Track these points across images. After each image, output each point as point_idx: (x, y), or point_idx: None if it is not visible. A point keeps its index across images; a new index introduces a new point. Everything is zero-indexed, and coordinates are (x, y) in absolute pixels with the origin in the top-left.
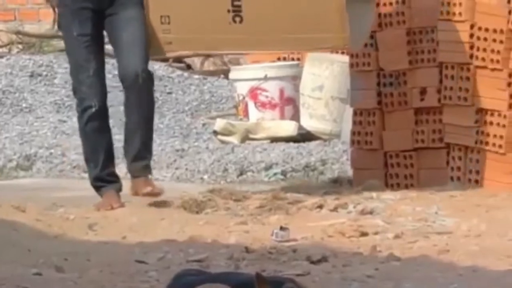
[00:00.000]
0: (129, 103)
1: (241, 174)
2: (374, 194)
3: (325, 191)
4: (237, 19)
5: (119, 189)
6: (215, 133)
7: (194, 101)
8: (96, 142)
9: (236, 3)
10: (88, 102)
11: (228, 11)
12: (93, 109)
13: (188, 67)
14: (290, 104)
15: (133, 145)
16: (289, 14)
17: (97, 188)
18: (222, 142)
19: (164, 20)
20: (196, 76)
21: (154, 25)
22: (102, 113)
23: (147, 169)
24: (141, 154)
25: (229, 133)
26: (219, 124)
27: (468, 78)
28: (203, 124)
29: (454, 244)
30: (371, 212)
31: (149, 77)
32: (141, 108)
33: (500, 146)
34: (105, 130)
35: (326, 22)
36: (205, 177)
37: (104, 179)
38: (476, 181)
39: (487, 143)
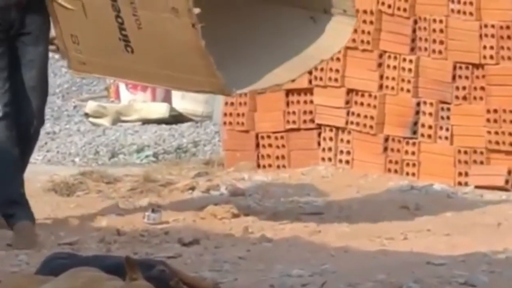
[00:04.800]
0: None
1: (112, 156)
2: (246, 176)
3: (197, 173)
4: (129, 48)
5: (32, 218)
6: (87, 115)
7: (65, 83)
8: (2, 154)
9: (123, 32)
10: None
11: (119, 39)
12: None
13: (59, 49)
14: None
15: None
16: (166, 52)
17: (7, 219)
18: (94, 124)
19: (74, 39)
20: None
21: (67, 43)
22: (8, 122)
23: None
24: None
25: (100, 115)
26: (90, 106)
27: (338, 59)
28: (74, 107)
29: (325, 225)
30: (243, 194)
31: (41, 126)
32: (24, 154)
33: (370, 127)
34: (12, 139)
35: (194, 65)
36: (77, 159)
37: (12, 203)
38: (347, 162)
39: (357, 124)
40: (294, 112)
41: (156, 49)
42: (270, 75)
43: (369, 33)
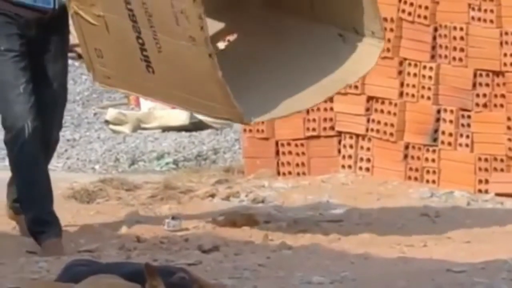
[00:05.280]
0: None
1: (132, 163)
2: (266, 183)
3: (217, 180)
4: (150, 69)
5: (60, 234)
6: (107, 122)
7: (85, 91)
8: (31, 172)
9: (144, 53)
10: (21, 123)
11: (141, 59)
12: (27, 132)
13: (79, 56)
14: None
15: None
16: (185, 77)
17: (36, 235)
18: (114, 131)
19: (98, 53)
20: None
21: (92, 55)
22: (37, 137)
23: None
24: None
25: (120, 122)
26: (111, 113)
27: None
28: (95, 114)
29: (345, 232)
30: (263, 201)
31: (58, 140)
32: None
33: (391, 134)
34: (40, 157)
35: (212, 93)
36: (97, 167)
37: (43, 221)
38: (367, 169)
39: (378, 131)
40: (314, 120)
41: (175, 73)
42: (292, 101)
43: (389, 40)
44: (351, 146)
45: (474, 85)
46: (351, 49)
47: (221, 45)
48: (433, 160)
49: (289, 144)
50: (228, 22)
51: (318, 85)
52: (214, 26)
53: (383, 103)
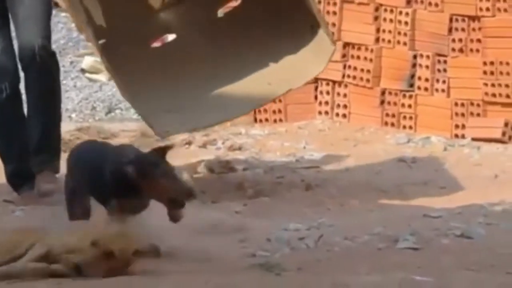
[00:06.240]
0: (28, 86)
1: (109, 112)
2: (242, 130)
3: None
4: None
5: None
6: (83, 71)
7: (61, 39)
8: (10, 132)
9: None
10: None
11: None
12: (4, 94)
13: (56, 4)
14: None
15: (32, 135)
16: None
17: (15, 186)
18: (90, 80)
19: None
20: (63, 14)
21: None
22: (15, 98)
23: (46, 164)
24: (40, 146)
25: (97, 70)
26: (87, 61)
27: (334, 13)
28: (71, 62)
29: (322, 178)
30: (239, 148)
31: (49, 56)
32: (40, 91)
33: (367, 80)
34: (20, 118)
35: None
36: (73, 115)
37: (21, 176)
38: (344, 115)
39: (354, 77)
40: None
41: None
42: (220, 109)
43: None
44: (327, 93)
45: (450, 30)
46: (313, 43)
47: (221, 12)
48: (410, 106)
49: None
50: None
51: (262, 85)
52: None
53: (359, 49)
